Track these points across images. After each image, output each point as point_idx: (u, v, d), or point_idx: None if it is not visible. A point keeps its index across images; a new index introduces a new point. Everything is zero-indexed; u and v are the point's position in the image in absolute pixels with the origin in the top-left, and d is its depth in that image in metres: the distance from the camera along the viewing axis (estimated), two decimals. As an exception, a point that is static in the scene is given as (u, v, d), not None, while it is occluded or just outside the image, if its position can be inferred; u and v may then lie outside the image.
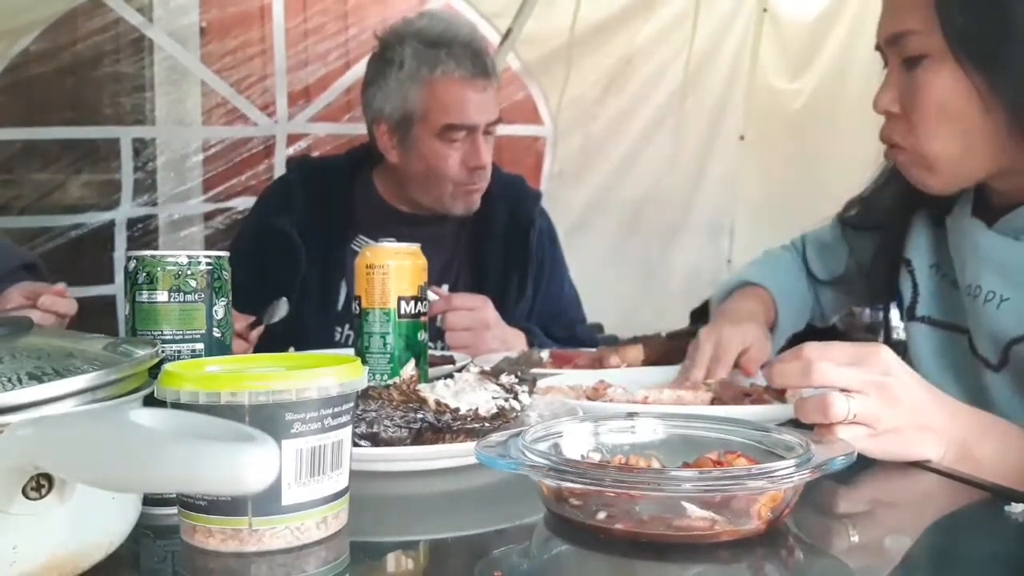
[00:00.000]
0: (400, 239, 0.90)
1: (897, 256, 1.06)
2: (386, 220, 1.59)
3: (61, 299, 1.33)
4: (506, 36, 2.53)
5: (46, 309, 1.31)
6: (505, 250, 1.62)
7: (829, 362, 0.70)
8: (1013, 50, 0.84)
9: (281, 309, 1.38)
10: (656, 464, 0.61)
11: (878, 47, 0.96)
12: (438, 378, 0.81)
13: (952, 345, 0.97)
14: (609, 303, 2.42)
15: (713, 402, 0.90)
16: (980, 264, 0.93)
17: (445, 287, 1.58)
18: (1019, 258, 0.91)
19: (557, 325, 1.62)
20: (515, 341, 1.42)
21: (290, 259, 1.54)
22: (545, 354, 1.28)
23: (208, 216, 2.56)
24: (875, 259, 1.11)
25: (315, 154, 2.55)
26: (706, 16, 2.69)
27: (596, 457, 0.63)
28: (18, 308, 1.31)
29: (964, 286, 0.95)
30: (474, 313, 1.39)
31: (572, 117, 2.74)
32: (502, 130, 2.65)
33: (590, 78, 2.70)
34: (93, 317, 2.18)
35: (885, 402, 0.70)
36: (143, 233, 2.47)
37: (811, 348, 0.72)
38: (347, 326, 1.56)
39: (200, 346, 0.67)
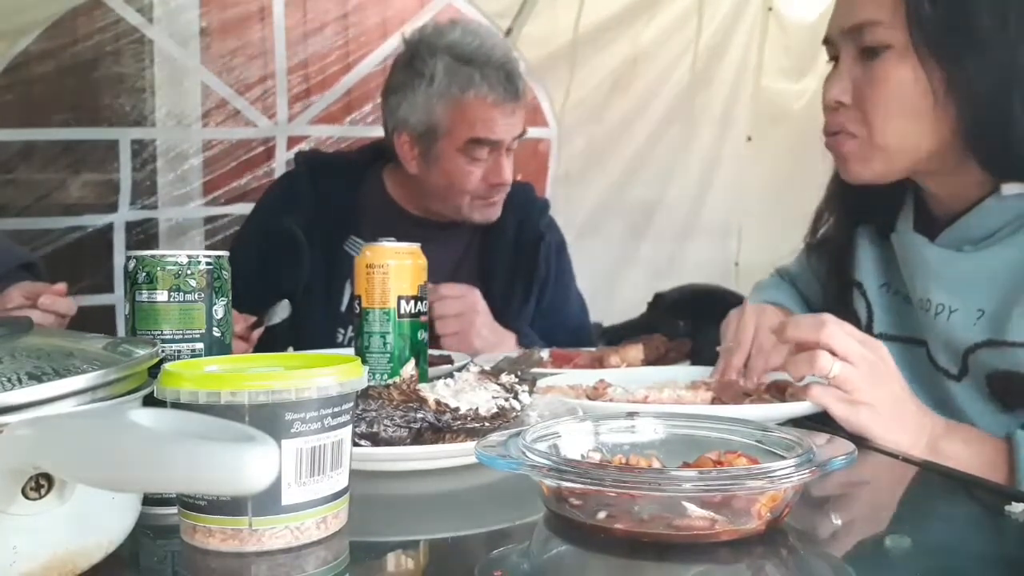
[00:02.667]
0: (410, 241, 0.89)
1: (847, 278, 1.07)
2: (396, 221, 1.57)
3: (61, 299, 1.33)
4: (506, 36, 2.53)
5: (46, 309, 1.31)
6: (512, 259, 1.61)
7: (840, 329, 0.79)
8: (974, 50, 0.85)
9: (282, 311, 1.38)
10: (656, 464, 0.61)
11: (827, 40, 0.97)
12: (438, 378, 0.81)
13: (911, 357, 0.98)
14: (616, 306, 2.42)
15: (713, 402, 0.90)
16: (928, 279, 0.95)
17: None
18: (962, 268, 0.92)
19: (561, 335, 1.61)
20: (506, 335, 1.42)
21: (295, 259, 1.53)
22: (545, 354, 1.28)
23: (208, 220, 2.55)
24: (827, 283, 1.13)
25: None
26: (711, 15, 2.68)
27: (596, 457, 0.62)
28: (18, 308, 1.31)
29: (916, 300, 0.97)
30: (462, 300, 1.39)
31: (577, 119, 2.73)
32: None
33: (594, 79, 2.69)
34: (92, 322, 2.18)
35: (868, 378, 0.79)
36: (144, 238, 2.47)
37: (830, 316, 0.81)
38: (350, 328, 1.54)
39: (200, 346, 0.67)
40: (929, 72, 0.87)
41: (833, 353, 0.79)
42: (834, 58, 0.96)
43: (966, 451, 0.79)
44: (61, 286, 1.35)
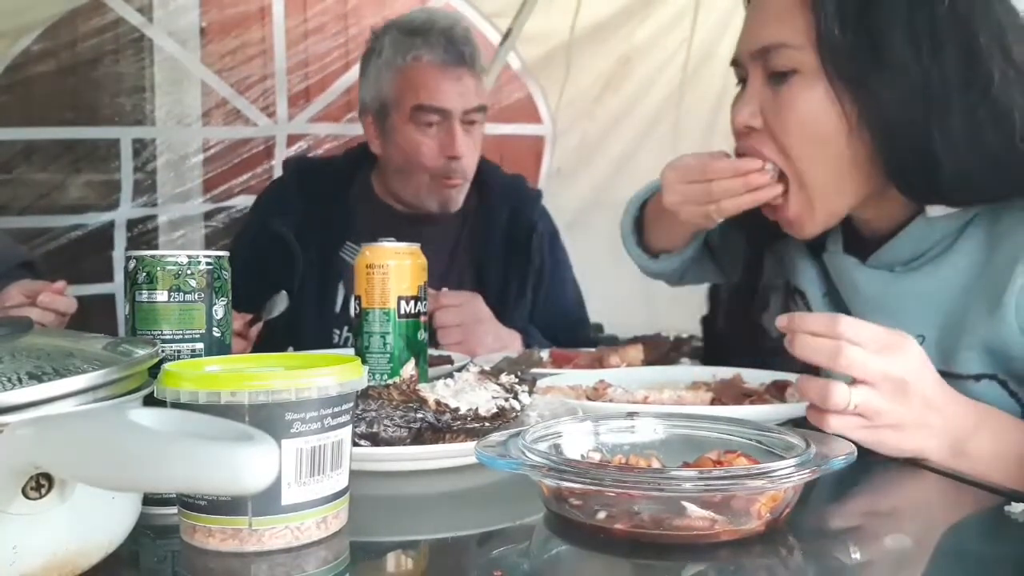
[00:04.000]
0: (400, 240, 0.89)
1: (787, 284, 1.03)
2: (385, 221, 1.58)
3: (60, 297, 1.33)
4: (506, 36, 2.53)
5: (46, 307, 1.31)
6: (505, 252, 1.61)
7: (859, 348, 0.69)
8: (882, 75, 0.82)
9: (281, 303, 1.38)
10: (656, 464, 0.61)
11: (735, 62, 0.94)
12: (438, 378, 0.81)
13: None
14: (608, 302, 2.41)
15: (713, 402, 0.90)
16: (864, 304, 0.92)
17: (445, 289, 1.57)
18: (896, 291, 0.90)
19: (560, 327, 1.61)
20: (510, 339, 1.42)
21: (288, 262, 1.54)
22: (545, 354, 1.28)
23: (208, 215, 2.56)
24: (767, 289, 1.08)
25: (314, 154, 2.55)
26: (705, 15, 2.68)
27: (596, 457, 0.62)
28: (18, 306, 1.31)
29: None
30: (464, 308, 1.38)
31: (570, 116, 2.73)
32: (502, 130, 2.65)
33: (589, 77, 2.69)
34: (93, 316, 2.18)
35: (893, 399, 0.70)
36: (143, 232, 2.47)
37: (846, 326, 0.70)
38: (345, 328, 1.56)
39: (200, 346, 0.67)
40: (840, 97, 0.84)
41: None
42: (742, 80, 0.94)
43: (995, 446, 0.73)
44: (60, 284, 1.35)
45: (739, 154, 0.94)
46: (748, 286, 1.08)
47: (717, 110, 2.80)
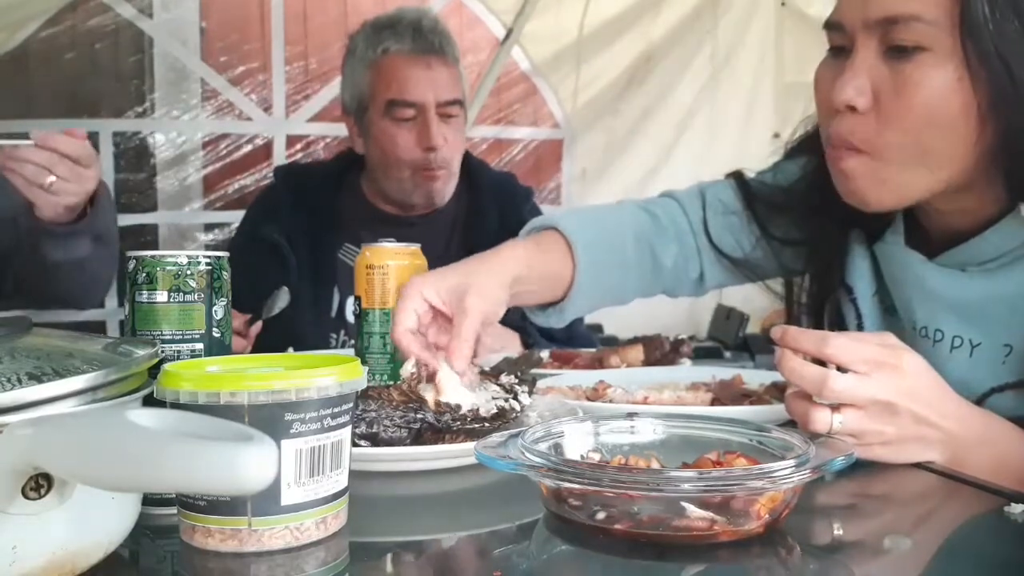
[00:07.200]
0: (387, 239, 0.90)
1: (835, 281, 0.97)
2: (376, 223, 1.59)
3: (71, 138, 1.15)
4: (507, 36, 2.53)
5: (43, 144, 1.12)
6: None
7: (847, 375, 0.67)
8: None
9: (282, 300, 1.38)
10: (656, 464, 0.61)
11: (834, 24, 0.82)
12: (438, 378, 0.81)
13: None
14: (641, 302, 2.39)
15: (713, 402, 0.90)
16: (933, 304, 0.85)
17: None
18: (973, 293, 0.82)
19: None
20: (509, 338, 1.42)
21: (281, 268, 1.54)
22: (545, 354, 1.28)
23: (208, 228, 2.55)
24: (812, 288, 1.02)
25: (315, 154, 2.55)
26: (725, 8, 2.64)
27: (596, 457, 0.63)
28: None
29: (916, 327, 0.88)
30: None
31: (591, 116, 2.70)
32: (515, 133, 2.63)
33: (606, 76, 2.66)
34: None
35: (878, 420, 0.68)
36: (139, 247, 2.46)
37: (836, 347, 0.68)
38: (342, 331, 1.56)
39: (200, 346, 0.67)
40: (975, 82, 0.74)
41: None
42: (837, 47, 0.82)
43: (990, 464, 0.71)
44: (80, 130, 1.18)
45: (831, 140, 0.83)
46: (826, 284, 1.00)
47: (751, 106, 2.74)
